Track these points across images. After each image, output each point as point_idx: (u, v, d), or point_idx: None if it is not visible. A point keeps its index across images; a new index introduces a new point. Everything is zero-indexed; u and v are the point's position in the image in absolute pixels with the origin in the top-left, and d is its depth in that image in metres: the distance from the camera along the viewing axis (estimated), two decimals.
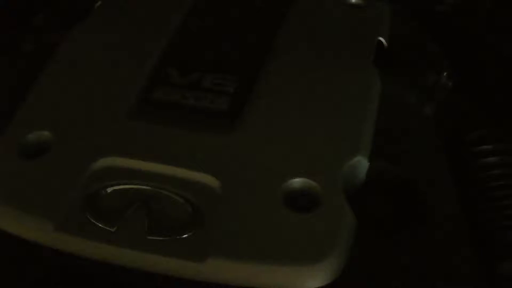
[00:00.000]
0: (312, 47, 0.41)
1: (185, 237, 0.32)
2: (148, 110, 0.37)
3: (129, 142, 0.35)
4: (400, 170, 0.36)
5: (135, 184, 0.33)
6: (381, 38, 0.42)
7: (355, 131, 0.36)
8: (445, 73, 0.41)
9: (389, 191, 0.35)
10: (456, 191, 0.36)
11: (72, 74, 0.40)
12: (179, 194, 0.33)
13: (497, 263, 0.33)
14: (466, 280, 0.32)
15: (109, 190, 0.33)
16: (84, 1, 0.46)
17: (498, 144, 0.37)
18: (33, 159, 0.35)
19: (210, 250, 0.31)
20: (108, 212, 0.32)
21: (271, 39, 0.41)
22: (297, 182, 0.34)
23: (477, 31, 0.44)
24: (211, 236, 0.32)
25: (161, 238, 0.32)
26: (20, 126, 0.37)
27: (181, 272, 0.31)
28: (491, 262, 0.33)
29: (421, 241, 0.33)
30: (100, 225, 0.32)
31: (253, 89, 0.38)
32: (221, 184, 0.33)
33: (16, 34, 0.45)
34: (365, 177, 0.36)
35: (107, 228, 0.32)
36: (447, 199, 0.35)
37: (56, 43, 0.42)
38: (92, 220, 0.32)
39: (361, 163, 0.35)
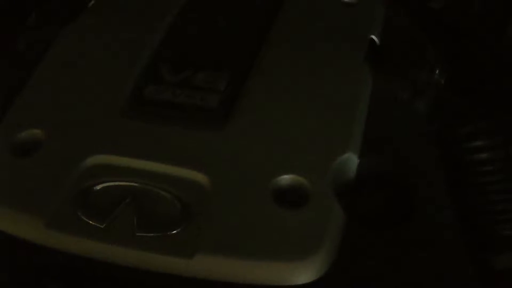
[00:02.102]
0: (304, 45, 0.41)
1: (174, 233, 0.32)
2: (139, 108, 0.37)
3: (119, 139, 0.36)
4: (391, 167, 0.36)
5: (124, 181, 0.34)
6: (373, 36, 0.42)
7: (345, 128, 0.36)
8: (437, 70, 0.41)
9: (380, 187, 0.35)
10: (449, 187, 0.36)
11: (63, 73, 0.40)
12: (168, 190, 0.33)
13: (494, 257, 0.33)
14: (460, 275, 0.32)
15: (99, 187, 0.33)
16: (77, 0, 0.46)
17: (490, 139, 0.37)
18: (24, 157, 0.35)
19: (199, 247, 0.31)
20: (98, 209, 0.33)
21: (263, 37, 0.41)
22: (286, 179, 0.34)
23: (468, 27, 0.44)
24: (200, 232, 0.32)
25: (150, 235, 0.32)
26: (11, 124, 0.37)
27: (170, 268, 0.31)
28: (488, 257, 0.33)
29: (412, 237, 0.33)
30: (90, 222, 0.32)
31: (243, 87, 0.38)
32: (210, 181, 0.33)
33: (11, 35, 0.45)
34: (356, 174, 0.36)
35: (97, 225, 0.32)
36: (439, 195, 0.35)
37: (48, 42, 0.42)
38: (82, 217, 0.32)
39: (351, 160, 0.35)
